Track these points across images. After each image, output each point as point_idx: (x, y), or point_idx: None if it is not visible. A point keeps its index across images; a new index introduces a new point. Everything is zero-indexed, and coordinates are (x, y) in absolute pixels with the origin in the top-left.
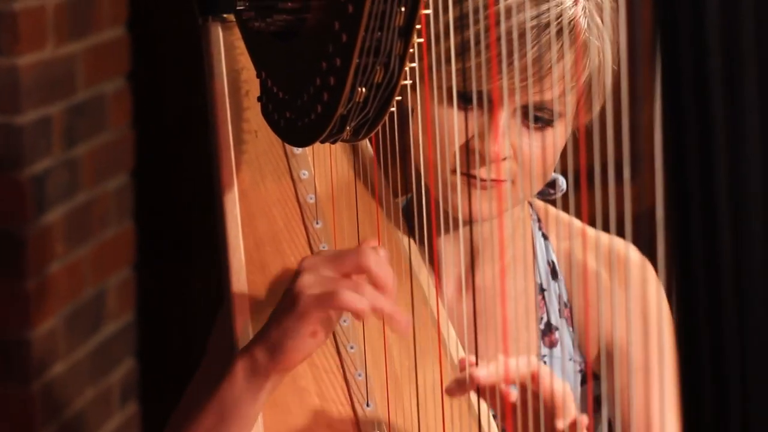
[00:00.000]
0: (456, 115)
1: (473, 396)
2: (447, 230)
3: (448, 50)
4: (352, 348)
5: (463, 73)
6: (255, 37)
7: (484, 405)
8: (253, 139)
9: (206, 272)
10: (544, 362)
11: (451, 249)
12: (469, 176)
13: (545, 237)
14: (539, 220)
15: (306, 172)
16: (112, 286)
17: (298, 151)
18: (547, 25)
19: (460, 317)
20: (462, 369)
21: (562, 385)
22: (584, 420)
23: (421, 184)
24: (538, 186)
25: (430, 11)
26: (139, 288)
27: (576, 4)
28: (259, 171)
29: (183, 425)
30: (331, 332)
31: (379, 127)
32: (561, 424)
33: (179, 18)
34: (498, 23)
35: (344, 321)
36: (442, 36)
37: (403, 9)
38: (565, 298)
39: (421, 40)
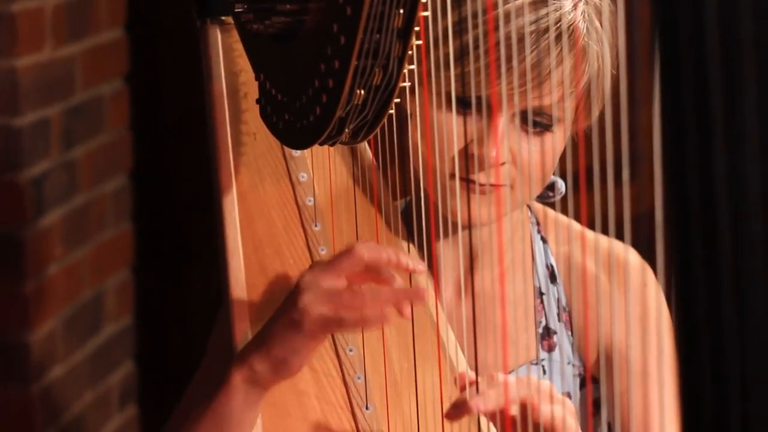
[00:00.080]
0: (455, 120)
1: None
2: (446, 234)
3: (446, 55)
4: (351, 351)
5: (462, 78)
6: (253, 39)
7: None
8: (251, 142)
9: (205, 273)
10: (543, 367)
11: (450, 253)
12: (468, 181)
13: (544, 240)
14: (538, 224)
15: (305, 175)
16: (111, 288)
17: (296, 153)
18: (546, 29)
19: (459, 321)
20: (462, 388)
21: (562, 407)
22: None
23: (420, 188)
24: (537, 190)
25: (428, 13)
26: (138, 290)
27: (575, 9)
28: (258, 173)
29: None
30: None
31: (378, 130)
32: None
33: (178, 20)
34: (497, 28)
35: None
36: (441, 41)
37: (401, 11)
38: (563, 302)
39: (420, 42)
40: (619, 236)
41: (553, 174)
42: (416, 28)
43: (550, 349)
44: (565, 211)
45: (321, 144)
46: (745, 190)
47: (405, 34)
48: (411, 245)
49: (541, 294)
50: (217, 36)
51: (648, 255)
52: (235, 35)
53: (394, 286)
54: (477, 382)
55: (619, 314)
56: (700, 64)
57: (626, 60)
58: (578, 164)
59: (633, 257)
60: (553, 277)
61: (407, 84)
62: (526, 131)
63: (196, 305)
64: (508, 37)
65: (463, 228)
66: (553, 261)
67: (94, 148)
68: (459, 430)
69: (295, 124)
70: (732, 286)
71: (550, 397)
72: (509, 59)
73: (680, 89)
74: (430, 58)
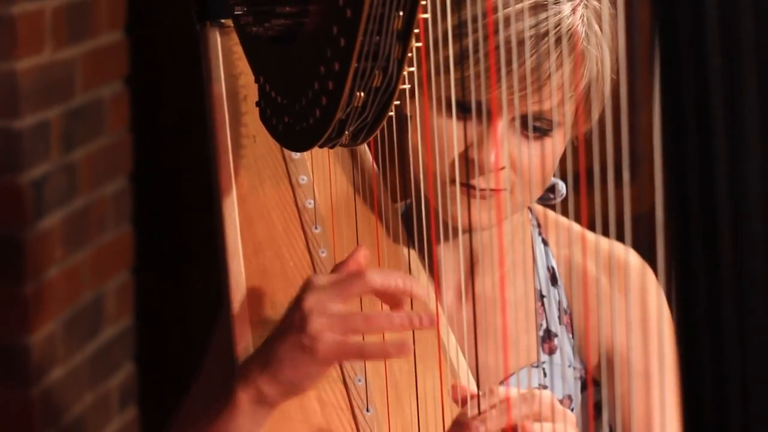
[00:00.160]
0: (455, 125)
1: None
2: (446, 237)
3: (446, 58)
4: None
5: (462, 83)
6: (253, 42)
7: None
8: (251, 144)
9: (205, 275)
10: (544, 369)
11: (450, 256)
12: (468, 186)
13: (545, 243)
14: (539, 226)
15: (305, 177)
16: (111, 290)
17: (296, 155)
18: (545, 34)
19: (459, 324)
20: (456, 400)
21: (563, 422)
22: None
23: (420, 192)
24: (537, 194)
25: (428, 15)
26: (137, 292)
27: (574, 13)
28: (258, 176)
29: None
30: None
31: (378, 132)
32: None
33: (177, 22)
34: (496, 32)
35: None
36: (440, 44)
37: (401, 13)
38: (564, 304)
39: (420, 44)
40: (620, 237)
41: (554, 176)
42: (416, 31)
43: (551, 352)
44: (565, 213)
45: (321, 146)
46: (746, 190)
47: (405, 36)
48: (411, 249)
49: (542, 296)
50: (216, 39)
51: (648, 256)
52: (234, 38)
53: (405, 310)
54: (478, 396)
55: (619, 316)
56: (700, 65)
57: (626, 61)
58: (578, 165)
59: (633, 259)
60: (554, 280)
61: (407, 86)
62: (526, 136)
63: (195, 306)
64: (506, 42)
65: (464, 232)
66: (554, 263)
67: (94, 151)
68: None
69: (295, 126)
70: (732, 286)
71: (551, 408)
72: (508, 63)
73: (680, 90)
74: (430, 61)
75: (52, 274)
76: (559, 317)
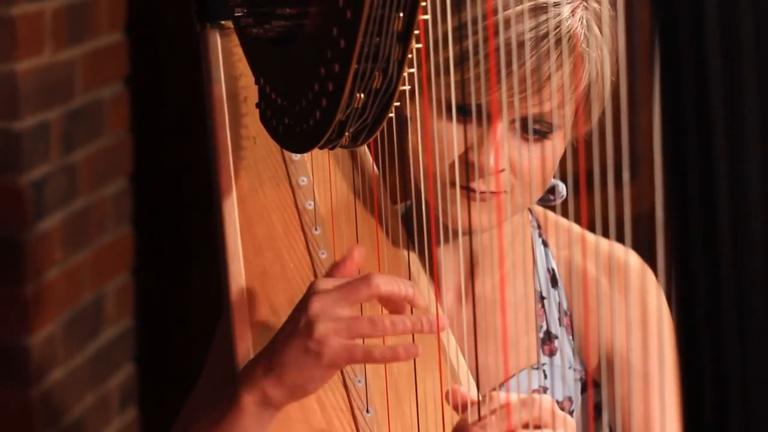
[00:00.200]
0: (455, 128)
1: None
2: (446, 238)
3: (446, 60)
4: None
5: (462, 85)
6: (253, 43)
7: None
8: (251, 146)
9: (205, 276)
10: (544, 371)
11: (450, 257)
12: (468, 189)
13: (545, 244)
14: (539, 227)
15: (305, 179)
16: (111, 291)
17: (296, 157)
18: (544, 36)
19: (459, 325)
20: (455, 406)
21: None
22: None
23: (420, 195)
24: (537, 196)
25: (428, 17)
26: (137, 293)
27: (573, 15)
28: (258, 177)
29: None
30: None
31: (378, 133)
32: None
33: (177, 23)
34: (495, 34)
35: None
36: (440, 47)
37: (401, 14)
38: (565, 306)
39: (420, 45)
40: (620, 238)
41: (554, 177)
42: (416, 32)
43: (551, 354)
44: (565, 214)
45: (321, 148)
46: (746, 190)
47: (405, 38)
48: (411, 250)
49: (542, 298)
50: (216, 40)
51: (648, 256)
52: (234, 39)
53: (409, 315)
54: (478, 402)
55: (620, 317)
56: (700, 65)
57: (626, 61)
58: (578, 167)
59: (634, 260)
60: (554, 281)
61: (407, 87)
62: (525, 138)
63: (196, 307)
64: (506, 44)
65: (464, 233)
66: (554, 265)
67: (94, 152)
68: None
69: (295, 127)
70: (732, 286)
71: (551, 413)
72: (508, 65)
73: (680, 90)
74: (430, 63)
75: (52, 275)
76: (560, 318)
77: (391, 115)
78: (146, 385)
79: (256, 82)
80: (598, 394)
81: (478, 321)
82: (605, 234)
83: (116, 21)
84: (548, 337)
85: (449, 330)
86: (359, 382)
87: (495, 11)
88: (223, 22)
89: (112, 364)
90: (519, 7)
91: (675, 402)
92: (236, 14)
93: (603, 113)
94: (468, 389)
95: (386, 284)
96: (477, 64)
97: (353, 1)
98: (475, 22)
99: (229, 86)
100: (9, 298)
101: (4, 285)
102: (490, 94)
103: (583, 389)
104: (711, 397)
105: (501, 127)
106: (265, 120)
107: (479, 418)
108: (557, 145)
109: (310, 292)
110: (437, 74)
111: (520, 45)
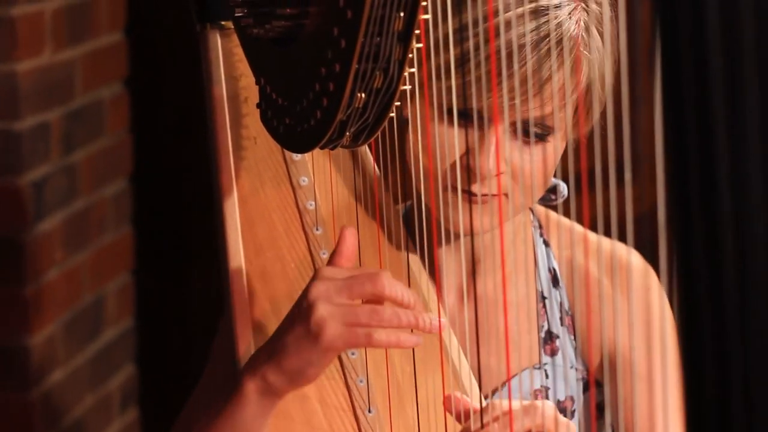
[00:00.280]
0: (456, 132)
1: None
2: (448, 239)
3: (446, 61)
4: (353, 354)
5: (463, 88)
6: (253, 43)
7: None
8: (252, 146)
9: (205, 276)
10: (546, 371)
11: (452, 257)
12: (469, 193)
13: (546, 244)
14: (540, 227)
15: (305, 179)
16: (111, 291)
17: (297, 157)
18: (543, 38)
19: (461, 325)
20: (457, 414)
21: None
22: None
23: (420, 196)
24: (537, 197)
25: (429, 16)
26: (138, 293)
27: (571, 17)
28: (259, 177)
29: None
30: None
31: (379, 133)
32: None
33: (177, 23)
34: (495, 36)
35: None
36: (440, 49)
37: (402, 14)
38: (566, 305)
39: (420, 45)
40: (622, 238)
41: (555, 176)
42: (416, 32)
43: (553, 353)
44: (567, 214)
45: (322, 148)
46: (747, 190)
47: (405, 37)
48: (413, 250)
49: (544, 298)
50: (217, 40)
51: (650, 256)
52: (235, 39)
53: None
54: (481, 410)
55: (622, 317)
56: (701, 65)
57: (627, 60)
58: (580, 166)
59: (636, 260)
60: (555, 281)
61: (408, 87)
62: (525, 141)
63: (196, 308)
64: (505, 47)
65: (465, 235)
66: (555, 265)
67: (94, 152)
68: None
69: (296, 127)
70: (734, 286)
71: (553, 420)
72: (508, 67)
73: (681, 90)
74: (431, 63)
75: (53, 275)
76: (561, 318)
77: (392, 114)
78: (147, 385)
79: (257, 83)
80: (600, 394)
81: (480, 321)
82: (607, 234)
83: (116, 21)
84: (549, 337)
85: (451, 330)
86: (361, 381)
87: (495, 13)
88: (223, 23)
89: (113, 365)
90: (519, 9)
91: (677, 402)
92: (236, 14)
93: (604, 113)
94: (470, 389)
95: (391, 287)
96: (477, 66)
97: (354, 1)
98: (475, 24)
99: (230, 86)
100: (9, 298)
101: (4, 285)
102: (490, 97)
103: (585, 389)
104: (713, 397)
105: (501, 130)
106: (265, 120)
107: (482, 426)
108: (557, 146)
109: (315, 278)
110: (437, 78)
111: (520, 47)
